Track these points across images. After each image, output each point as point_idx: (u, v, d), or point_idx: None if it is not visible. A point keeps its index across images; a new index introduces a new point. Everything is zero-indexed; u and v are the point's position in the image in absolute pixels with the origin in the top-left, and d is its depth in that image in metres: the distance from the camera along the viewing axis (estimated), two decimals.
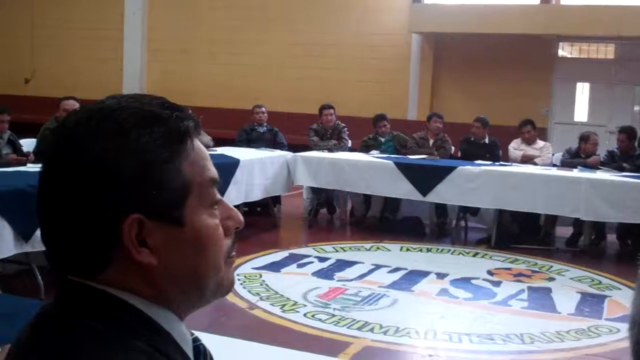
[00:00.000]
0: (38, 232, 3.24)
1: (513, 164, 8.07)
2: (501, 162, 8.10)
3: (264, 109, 8.98)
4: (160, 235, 0.86)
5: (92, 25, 14.32)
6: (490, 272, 6.35)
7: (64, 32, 14.50)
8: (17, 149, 6.08)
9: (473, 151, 8.37)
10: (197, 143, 0.91)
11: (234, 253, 0.96)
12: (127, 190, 0.84)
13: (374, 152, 8.47)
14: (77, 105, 6.37)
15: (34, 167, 5.70)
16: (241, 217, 0.97)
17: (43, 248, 3.33)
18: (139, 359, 0.82)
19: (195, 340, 0.96)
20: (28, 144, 6.47)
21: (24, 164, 5.80)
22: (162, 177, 0.85)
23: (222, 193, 0.91)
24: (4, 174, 5.25)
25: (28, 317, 2.25)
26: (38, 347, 0.85)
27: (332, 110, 8.72)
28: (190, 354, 0.92)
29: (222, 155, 7.31)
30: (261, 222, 7.94)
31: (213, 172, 0.92)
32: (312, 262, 6.42)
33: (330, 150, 8.45)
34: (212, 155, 0.94)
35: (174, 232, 0.87)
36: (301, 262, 6.43)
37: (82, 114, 0.90)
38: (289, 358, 2.23)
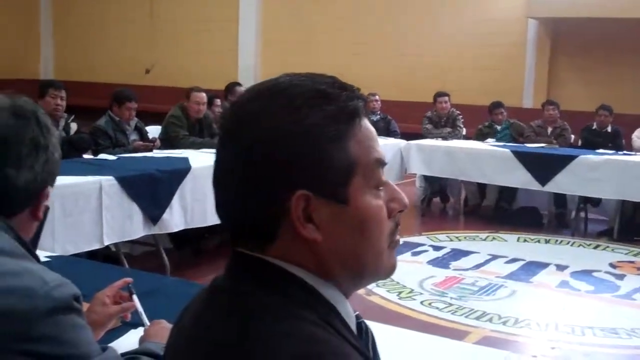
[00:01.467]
0: (165, 215, 3.40)
1: (637, 153, 7.73)
2: (625, 152, 7.77)
3: (377, 97, 8.98)
4: (326, 212, 0.88)
5: (209, 17, 14.70)
6: (612, 265, 6.12)
7: (182, 24, 14.96)
8: (143, 135, 6.33)
9: (594, 140, 8.08)
10: (365, 123, 0.93)
11: (397, 237, 0.97)
12: (296, 166, 0.86)
13: (490, 140, 8.32)
14: (204, 96, 6.57)
15: (160, 153, 5.94)
16: (406, 200, 0.97)
17: (169, 230, 3.49)
18: (310, 329, 0.84)
19: (358, 317, 0.97)
20: (153, 131, 6.72)
21: (151, 150, 6.04)
22: (330, 155, 0.87)
23: None
24: (132, 160, 5.49)
25: (173, 293, 2.35)
26: (214, 318, 0.89)
27: (446, 98, 8.62)
28: (354, 330, 0.94)
29: None
30: None
31: (380, 153, 0.93)
32: (426, 251, 6.39)
33: (444, 138, 8.36)
34: None
35: (338, 210, 0.89)
36: (415, 250, 6.40)
37: (255, 90, 0.93)
38: (416, 340, 2.23)
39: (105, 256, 4.89)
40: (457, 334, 4.31)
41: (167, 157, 5.71)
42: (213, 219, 5.46)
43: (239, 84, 8.05)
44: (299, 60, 13.75)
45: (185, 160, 5.50)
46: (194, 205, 5.24)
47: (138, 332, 1.93)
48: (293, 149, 0.86)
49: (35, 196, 1.32)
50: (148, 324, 1.79)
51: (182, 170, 5.20)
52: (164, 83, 14.45)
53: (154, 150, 6.05)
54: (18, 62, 15.87)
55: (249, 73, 14.15)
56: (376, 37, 13.32)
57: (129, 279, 1.91)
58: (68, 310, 1.17)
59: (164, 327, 1.68)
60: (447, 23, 12.82)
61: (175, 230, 5.15)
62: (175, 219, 5.08)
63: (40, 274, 1.17)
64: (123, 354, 1.50)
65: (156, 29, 15.30)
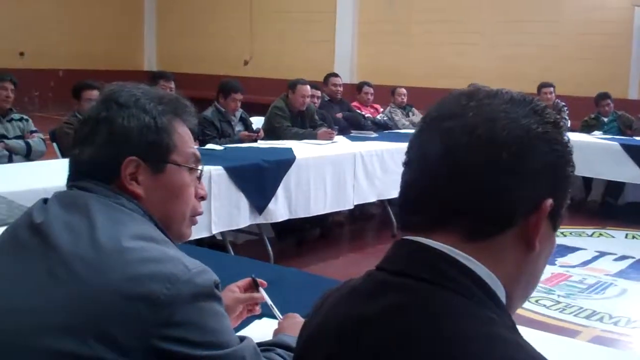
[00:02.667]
0: (270, 205, 3.45)
1: None
2: None
3: None
4: (546, 230, 0.93)
5: (307, 9, 14.76)
6: None
7: (281, 16, 15.08)
8: (248, 126, 6.42)
9: None
10: None
11: None
12: (553, 173, 0.92)
13: (597, 133, 8.04)
14: (309, 89, 6.61)
15: (264, 144, 6.01)
16: None
17: (274, 220, 3.51)
18: (503, 332, 0.83)
19: None
20: (256, 122, 6.81)
21: (255, 141, 6.12)
22: (567, 172, 0.94)
23: None
24: (239, 150, 5.57)
25: (291, 283, 2.35)
26: (389, 318, 0.87)
27: (551, 89, 8.38)
28: None
29: None
30: None
31: None
32: None
33: None
34: None
35: (551, 233, 0.96)
36: None
37: (486, 91, 0.95)
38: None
39: (211, 244, 4.99)
40: (567, 333, 4.18)
41: (272, 147, 5.77)
42: (316, 210, 5.54)
43: (336, 75, 8.05)
44: (395, 51, 13.70)
45: (290, 150, 5.55)
46: (298, 196, 5.28)
47: (262, 323, 1.95)
48: (549, 157, 0.91)
49: (111, 167, 1.31)
50: (281, 317, 1.79)
51: (287, 160, 5.24)
52: (261, 74, 14.62)
53: (258, 141, 6.13)
54: (123, 54, 16.38)
55: (345, 64, 14.14)
56: (474, 27, 13.07)
57: (264, 282, 1.90)
58: (210, 297, 1.18)
59: (298, 322, 1.67)
60: (550, 11, 12.45)
61: (280, 220, 5.20)
62: (280, 209, 5.13)
63: (182, 260, 1.18)
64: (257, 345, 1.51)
65: (254, 21, 15.48)
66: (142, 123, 1.32)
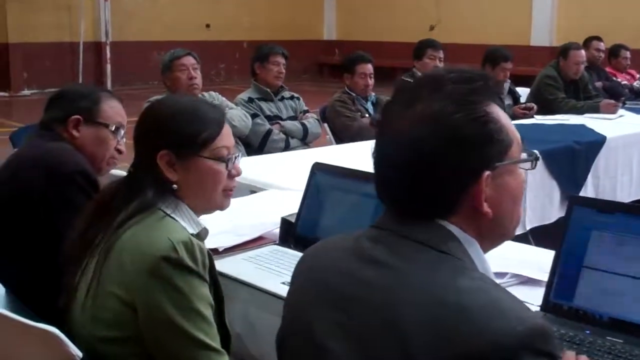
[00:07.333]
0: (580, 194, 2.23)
1: None
2: None
3: None
4: None
5: None
6: None
7: None
8: (516, 99, 5.63)
9: None
10: None
11: None
12: None
13: None
14: (584, 55, 5.74)
15: (546, 119, 5.20)
16: None
17: None
18: None
19: None
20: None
21: (531, 117, 5.32)
22: None
23: None
24: (528, 128, 4.76)
25: None
26: None
27: None
28: None
29: None
30: None
31: None
32: None
33: None
34: None
35: None
36: None
37: None
38: None
39: None
40: None
41: (570, 125, 4.96)
42: (621, 198, 4.66)
43: (599, 38, 7.02)
44: (600, 13, 12.35)
45: (591, 130, 4.74)
46: (605, 182, 4.49)
47: None
48: None
49: None
50: None
51: (597, 141, 4.45)
52: (449, 40, 13.71)
53: (535, 117, 5.31)
54: (303, 24, 16.01)
55: (544, 24, 13.07)
56: None
57: None
58: None
59: None
60: None
61: None
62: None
63: None
64: None
65: None
66: None
